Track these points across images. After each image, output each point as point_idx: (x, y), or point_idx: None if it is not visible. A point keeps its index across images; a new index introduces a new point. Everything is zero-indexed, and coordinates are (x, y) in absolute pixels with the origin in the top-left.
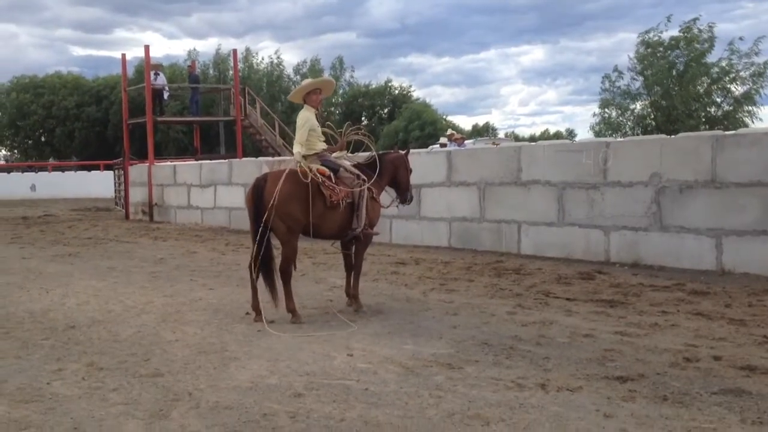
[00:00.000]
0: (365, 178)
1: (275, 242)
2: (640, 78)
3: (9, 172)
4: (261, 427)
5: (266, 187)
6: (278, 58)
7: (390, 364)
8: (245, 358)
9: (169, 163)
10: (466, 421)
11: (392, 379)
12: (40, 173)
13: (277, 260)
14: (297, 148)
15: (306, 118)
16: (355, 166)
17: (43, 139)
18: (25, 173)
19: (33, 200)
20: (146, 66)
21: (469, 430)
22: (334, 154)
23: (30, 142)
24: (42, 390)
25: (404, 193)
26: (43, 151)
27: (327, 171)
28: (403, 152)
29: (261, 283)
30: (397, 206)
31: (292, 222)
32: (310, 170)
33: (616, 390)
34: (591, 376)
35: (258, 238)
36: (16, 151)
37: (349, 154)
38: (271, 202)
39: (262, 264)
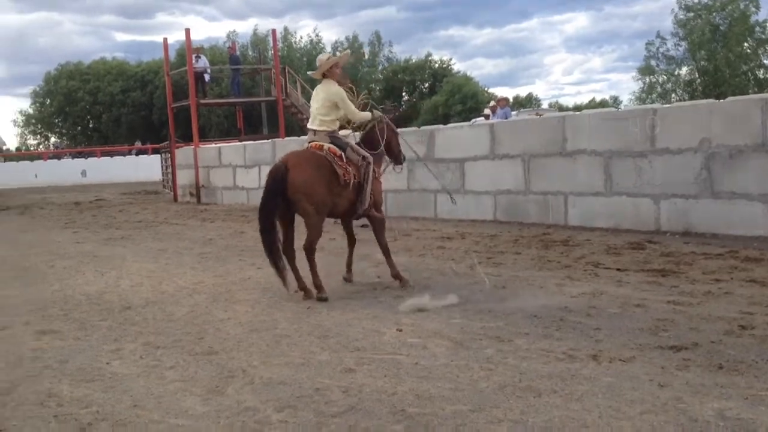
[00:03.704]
0: (370, 159)
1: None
2: (683, 43)
3: (59, 159)
4: (314, 402)
5: (290, 174)
6: (317, 36)
7: (439, 338)
8: (296, 335)
9: (214, 145)
10: (518, 393)
11: (442, 353)
12: (90, 159)
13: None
14: (360, 116)
15: (339, 91)
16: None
17: (90, 125)
18: (76, 159)
19: (84, 185)
20: (187, 49)
21: (521, 401)
22: (341, 132)
23: (78, 128)
24: (102, 369)
25: (397, 156)
26: (91, 137)
27: (338, 150)
28: (389, 116)
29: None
30: (393, 169)
31: (320, 204)
32: (322, 149)
33: (669, 359)
34: (644, 346)
35: (279, 222)
36: (65, 137)
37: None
38: (300, 187)
39: (273, 247)
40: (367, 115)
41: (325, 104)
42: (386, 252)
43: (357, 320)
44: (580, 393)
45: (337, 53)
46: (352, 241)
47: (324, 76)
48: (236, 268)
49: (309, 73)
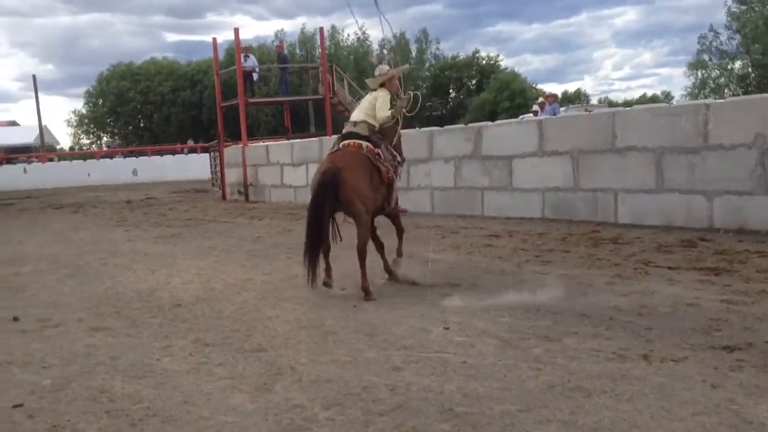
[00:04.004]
0: (399, 159)
1: None
2: (737, 36)
3: (112, 158)
4: (362, 400)
5: (343, 174)
6: (364, 33)
7: (487, 337)
8: (343, 332)
9: (262, 143)
10: (566, 393)
11: (490, 352)
12: (141, 158)
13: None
14: (383, 114)
15: (381, 94)
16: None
17: (141, 124)
18: (127, 158)
19: (135, 184)
20: (236, 49)
21: (570, 402)
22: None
23: (130, 128)
24: (152, 366)
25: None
26: (142, 137)
27: (375, 148)
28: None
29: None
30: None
31: (370, 203)
32: (360, 147)
33: (723, 360)
34: (696, 346)
35: (330, 222)
36: (117, 137)
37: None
38: (354, 187)
39: (316, 247)
40: (387, 112)
41: (373, 102)
42: (402, 234)
43: (404, 318)
44: (630, 393)
45: (386, 57)
46: (379, 244)
47: (382, 85)
48: (284, 266)
49: (367, 81)
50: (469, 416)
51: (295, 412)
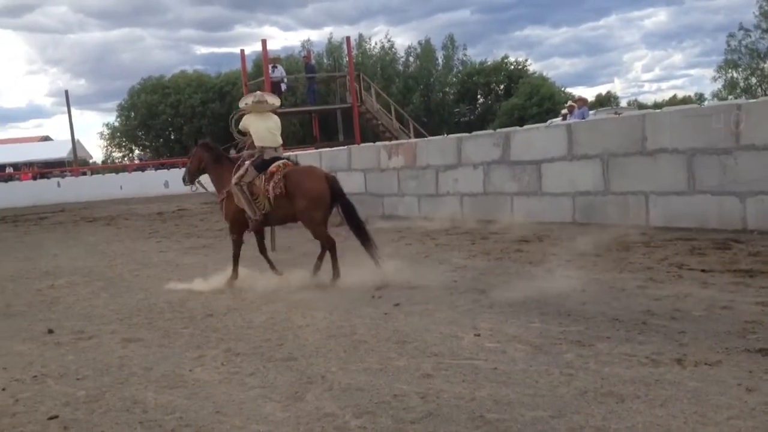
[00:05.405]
0: None
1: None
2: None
3: (143, 170)
4: (393, 408)
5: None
6: (389, 41)
7: (518, 343)
8: (373, 341)
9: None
10: (599, 398)
11: (521, 358)
12: (171, 170)
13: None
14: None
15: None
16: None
17: (172, 137)
18: (158, 170)
19: (167, 196)
20: (264, 60)
21: (603, 407)
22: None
23: (161, 140)
24: (185, 376)
25: None
26: (173, 149)
27: None
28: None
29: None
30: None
31: None
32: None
33: (758, 363)
34: (731, 350)
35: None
36: (148, 150)
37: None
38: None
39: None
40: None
41: (278, 127)
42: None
43: (434, 325)
44: (664, 398)
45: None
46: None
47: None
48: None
49: (248, 103)
50: (500, 423)
51: (327, 421)
